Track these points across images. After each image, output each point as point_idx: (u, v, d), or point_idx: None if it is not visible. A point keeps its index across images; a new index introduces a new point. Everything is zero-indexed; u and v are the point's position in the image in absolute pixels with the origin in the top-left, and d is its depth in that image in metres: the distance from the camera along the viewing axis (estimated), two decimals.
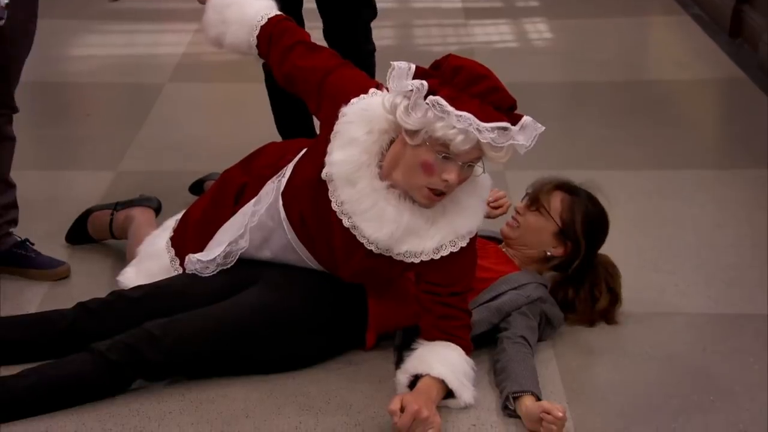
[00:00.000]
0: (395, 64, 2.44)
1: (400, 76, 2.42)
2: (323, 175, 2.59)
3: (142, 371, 2.60)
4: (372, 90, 2.62)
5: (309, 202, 2.66)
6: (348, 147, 2.56)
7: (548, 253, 2.98)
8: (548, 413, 2.46)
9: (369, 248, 2.59)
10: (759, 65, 5.31)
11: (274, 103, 3.68)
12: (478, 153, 2.44)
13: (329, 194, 2.59)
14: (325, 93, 2.66)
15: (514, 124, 2.40)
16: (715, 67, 5.46)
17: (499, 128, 2.37)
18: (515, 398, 2.57)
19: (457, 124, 2.36)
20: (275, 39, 2.79)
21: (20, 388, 2.53)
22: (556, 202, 2.97)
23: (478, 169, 2.51)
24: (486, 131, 2.36)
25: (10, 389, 2.52)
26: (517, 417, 2.56)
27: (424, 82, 2.39)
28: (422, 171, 2.46)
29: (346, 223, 2.58)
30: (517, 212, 3.02)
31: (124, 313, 2.71)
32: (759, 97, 4.94)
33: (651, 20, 6.56)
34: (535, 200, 2.99)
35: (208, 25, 2.91)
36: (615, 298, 3.01)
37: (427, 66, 2.48)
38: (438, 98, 2.37)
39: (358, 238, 2.59)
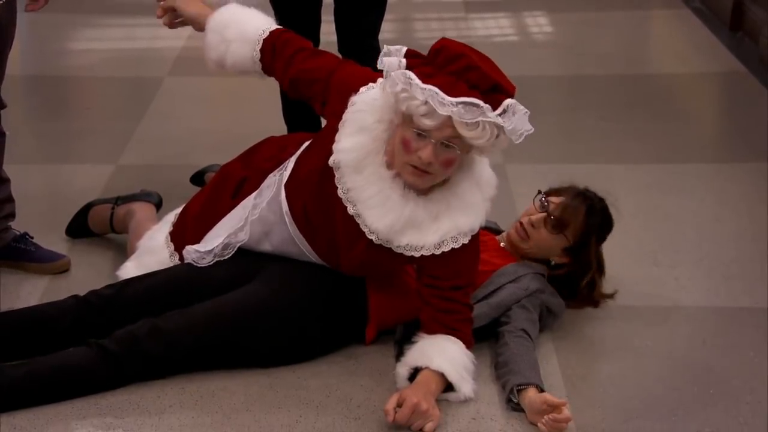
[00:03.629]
0: (387, 46, 2.48)
1: (388, 54, 2.46)
2: (330, 161, 2.60)
3: (141, 362, 2.60)
4: (380, 80, 2.62)
5: (313, 192, 2.67)
6: (357, 134, 2.57)
7: (552, 262, 2.98)
8: (552, 405, 2.46)
9: (370, 238, 2.59)
10: (759, 59, 5.31)
11: (284, 93, 3.65)
12: (451, 131, 2.43)
13: (336, 181, 2.60)
14: (331, 88, 2.67)
15: (495, 105, 2.40)
16: (715, 61, 5.45)
17: (465, 103, 2.37)
18: (519, 391, 2.57)
19: (419, 95, 2.37)
20: (278, 49, 2.78)
21: (20, 378, 2.53)
22: (578, 228, 2.93)
23: (473, 156, 2.51)
24: (450, 105, 2.36)
25: (10, 379, 2.52)
26: (520, 410, 2.56)
27: (403, 60, 2.43)
28: (402, 148, 2.48)
29: (350, 210, 2.59)
30: (531, 225, 2.94)
31: (125, 304, 2.72)
32: (759, 91, 4.93)
33: (651, 14, 6.55)
34: (562, 227, 2.92)
35: (209, 48, 2.88)
36: (601, 270, 3.00)
37: None
38: (406, 71, 2.39)
39: (360, 226, 2.59)
